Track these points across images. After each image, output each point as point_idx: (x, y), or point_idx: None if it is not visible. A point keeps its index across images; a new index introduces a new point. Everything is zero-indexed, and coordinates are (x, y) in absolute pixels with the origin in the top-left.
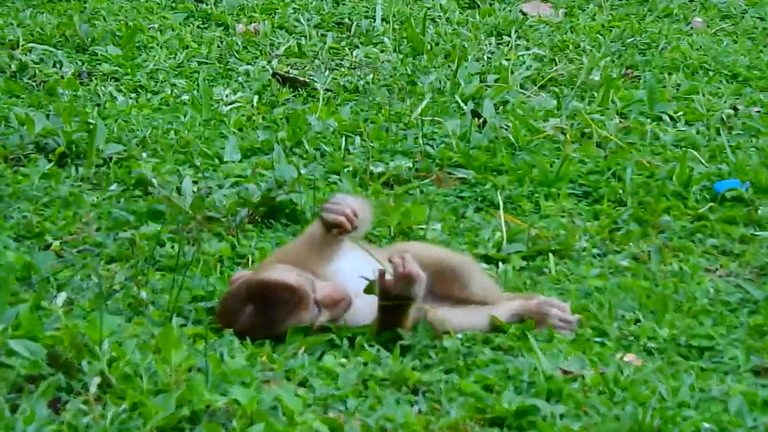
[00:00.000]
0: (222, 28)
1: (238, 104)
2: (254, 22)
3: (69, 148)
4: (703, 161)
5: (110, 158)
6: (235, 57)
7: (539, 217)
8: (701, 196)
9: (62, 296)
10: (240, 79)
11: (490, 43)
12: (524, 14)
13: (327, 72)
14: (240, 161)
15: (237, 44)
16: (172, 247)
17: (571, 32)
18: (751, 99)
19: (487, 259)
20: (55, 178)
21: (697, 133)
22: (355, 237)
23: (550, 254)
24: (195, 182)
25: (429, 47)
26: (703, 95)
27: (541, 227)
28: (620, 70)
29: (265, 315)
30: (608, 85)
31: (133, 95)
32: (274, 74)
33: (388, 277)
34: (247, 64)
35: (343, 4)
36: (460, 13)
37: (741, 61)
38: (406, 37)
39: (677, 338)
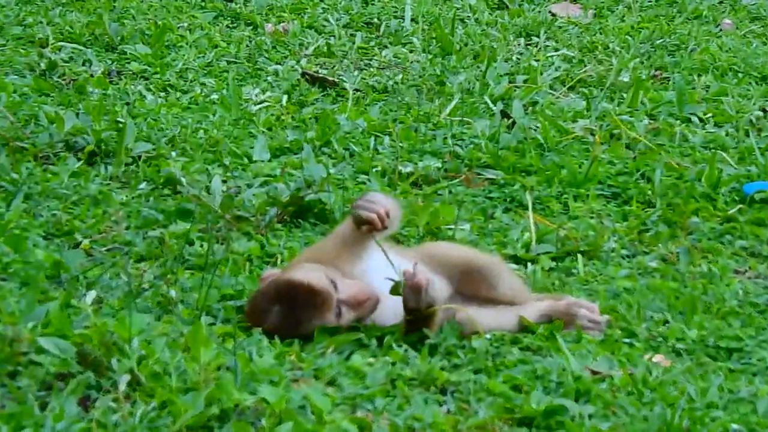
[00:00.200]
0: (251, 27)
1: (267, 104)
2: (283, 21)
3: (98, 147)
4: (732, 163)
5: (139, 157)
6: (264, 56)
7: (568, 217)
8: (730, 198)
9: (91, 294)
10: (269, 78)
11: (519, 44)
12: (553, 15)
13: (356, 72)
14: (269, 161)
15: (266, 44)
16: (201, 245)
17: (600, 33)
18: None
19: (515, 259)
20: (85, 176)
21: (726, 134)
22: (384, 236)
23: (579, 255)
24: (224, 181)
25: (458, 48)
26: (733, 97)
27: (570, 228)
28: (649, 72)
29: (291, 315)
30: (637, 86)
31: (163, 94)
32: (303, 74)
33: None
34: (276, 63)
35: (372, 4)
36: (489, 13)
37: None
38: (435, 37)
39: (706, 339)
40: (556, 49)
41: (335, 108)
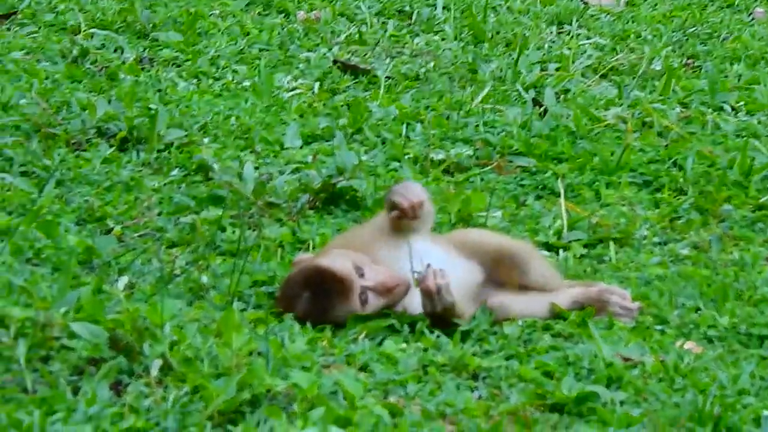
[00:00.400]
0: (283, 15)
1: (299, 91)
2: (315, 9)
3: (130, 133)
4: (764, 151)
5: (171, 143)
6: (296, 44)
7: (600, 205)
8: (762, 186)
9: (123, 280)
10: (301, 66)
11: (551, 32)
12: (585, 3)
13: (388, 59)
14: (301, 148)
15: (298, 31)
16: (233, 232)
17: (633, 22)
18: None
19: (547, 246)
20: (117, 162)
21: (758, 123)
22: (414, 227)
23: (611, 242)
24: (256, 168)
25: (490, 35)
26: (765, 85)
27: (602, 215)
28: (681, 60)
29: (317, 301)
30: (669, 74)
31: (194, 81)
32: (335, 61)
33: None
34: (308, 51)
35: None
36: (521, 1)
37: None
38: (467, 25)
39: (737, 326)
40: (588, 37)
41: (367, 95)
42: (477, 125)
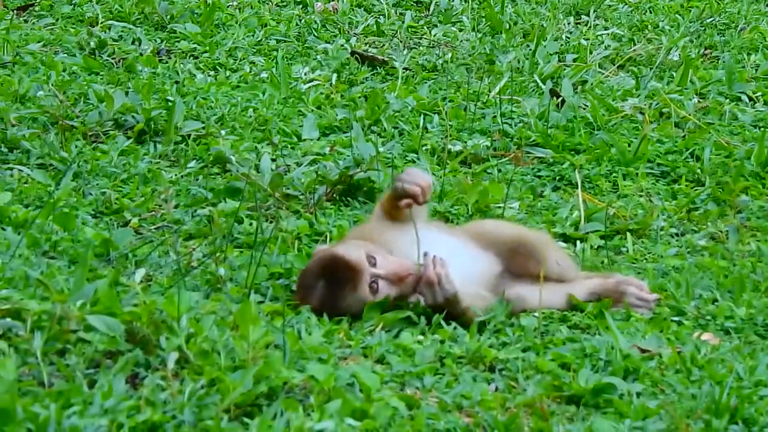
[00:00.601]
0: (300, 6)
1: (317, 82)
2: (333, 0)
3: (148, 125)
4: None
5: (189, 135)
6: (314, 35)
7: (617, 196)
8: None
9: (140, 272)
10: (318, 57)
11: (568, 23)
12: None
13: (405, 51)
14: (318, 139)
15: (315, 22)
16: (250, 224)
17: (650, 12)
18: None
19: (564, 237)
20: (134, 154)
21: None
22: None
23: (628, 233)
24: (273, 160)
25: (507, 26)
26: None
27: (619, 206)
28: (699, 50)
29: (329, 290)
30: (687, 65)
31: (212, 73)
32: (352, 53)
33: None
34: (326, 42)
35: None
36: None
37: None
38: (485, 16)
39: (754, 318)
40: (606, 28)
41: (385, 87)
42: (494, 116)
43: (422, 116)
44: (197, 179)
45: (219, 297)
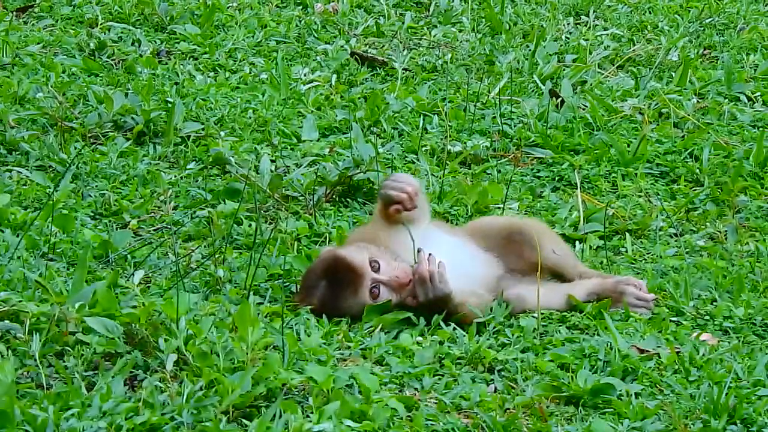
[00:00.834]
0: (300, 7)
1: (317, 83)
2: (333, 1)
3: (147, 127)
4: None
5: (188, 137)
6: (314, 36)
7: (616, 196)
8: None
9: (139, 274)
10: (318, 58)
11: (568, 23)
12: None
13: (405, 51)
14: (318, 140)
15: (315, 23)
16: (250, 225)
17: (650, 12)
18: None
19: (564, 238)
20: (133, 156)
21: None
22: (412, 217)
23: (627, 234)
24: (273, 161)
25: (507, 27)
26: None
27: (618, 207)
28: (698, 51)
29: (332, 291)
30: (686, 65)
31: (212, 74)
32: (352, 53)
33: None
34: (326, 43)
35: None
36: None
37: None
38: (485, 16)
39: (753, 318)
40: (605, 29)
41: (384, 87)
42: (494, 117)
43: (422, 117)
44: (197, 180)
45: (218, 298)
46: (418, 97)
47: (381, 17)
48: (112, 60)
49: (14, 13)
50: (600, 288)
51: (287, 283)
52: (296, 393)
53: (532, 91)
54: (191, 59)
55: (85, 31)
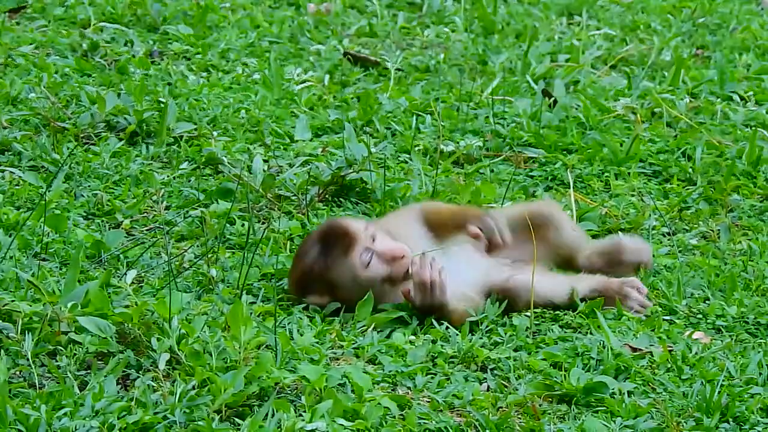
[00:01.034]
0: (293, 7)
1: (309, 83)
2: (326, 1)
3: (140, 127)
4: None
5: (181, 137)
6: (307, 36)
7: (609, 196)
8: None
9: (132, 274)
10: (311, 58)
11: (561, 23)
12: None
13: (398, 51)
14: (311, 140)
15: (308, 24)
16: (242, 225)
17: (642, 12)
18: None
19: None
20: (126, 156)
21: (767, 112)
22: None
23: (620, 233)
24: (265, 161)
25: (500, 27)
26: None
27: (611, 206)
28: (691, 50)
29: (323, 253)
30: (679, 65)
31: (204, 74)
32: (345, 54)
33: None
34: (319, 43)
35: None
36: None
37: None
38: (478, 16)
39: (746, 316)
40: (598, 28)
41: (377, 87)
42: (487, 117)
43: (415, 117)
44: (189, 180)
45: (210, 298)
46: (411, 97)
47: (374, 17)
48: (104, 60)
49: (7, 14)
50: (604, 287)
51: (281, 283)
52: (289, 392)
53: (525, 90)
54: (184, 60)
55: (77, 32)
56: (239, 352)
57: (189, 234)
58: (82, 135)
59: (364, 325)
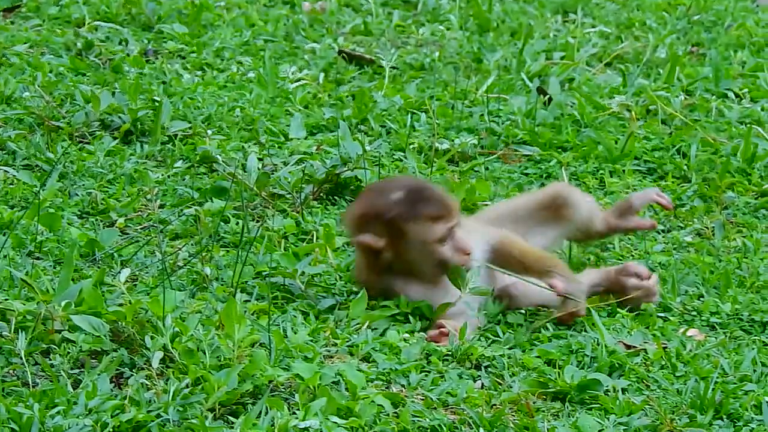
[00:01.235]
0: (288, 6)
1: (304, 82)
2: (320, 0)
3: (134, 126)
4: None
5: (175, 135)
6: (302, 35)
7: (604, 193)
8: (765, 173)
9: (125, 272)
10: (306, 56)
11: (556, 21)
12: None
13: (393, 49)
14: (305, 138)
15: (303, 22)
16: (237, 223)
17: (637, 10)
18: None
19: None
20: (120, 155)
21: (762, 110)
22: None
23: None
24: (260, 159)
25: (495, 25)
26: None
27: (606, 203)
28: (686, 48)
29: (410, 205)
30: (674, 62)
31: (199, 73)
32: (340, 52)
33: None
34: (313, 42)
35: None
36: None
37: None
38: (473, 14)
39: (740, 313)
40: (593, 26)
41: (372, 86)
42: (482, 114)
43: (409, 115)
44: (184, 179)
45: (204, 296)
46: (406, 95)
47: (369, 16)
48: (99, 59)
49: (1, 13)
50: (603, 280)
51: (275, 280)
52: (282, 390)
53: (520, 88)
54: (179, 58)
55: (72, 31)
56: (233, 351)
57: (183, 232)
58: (76, 134)
59: (358, 323)
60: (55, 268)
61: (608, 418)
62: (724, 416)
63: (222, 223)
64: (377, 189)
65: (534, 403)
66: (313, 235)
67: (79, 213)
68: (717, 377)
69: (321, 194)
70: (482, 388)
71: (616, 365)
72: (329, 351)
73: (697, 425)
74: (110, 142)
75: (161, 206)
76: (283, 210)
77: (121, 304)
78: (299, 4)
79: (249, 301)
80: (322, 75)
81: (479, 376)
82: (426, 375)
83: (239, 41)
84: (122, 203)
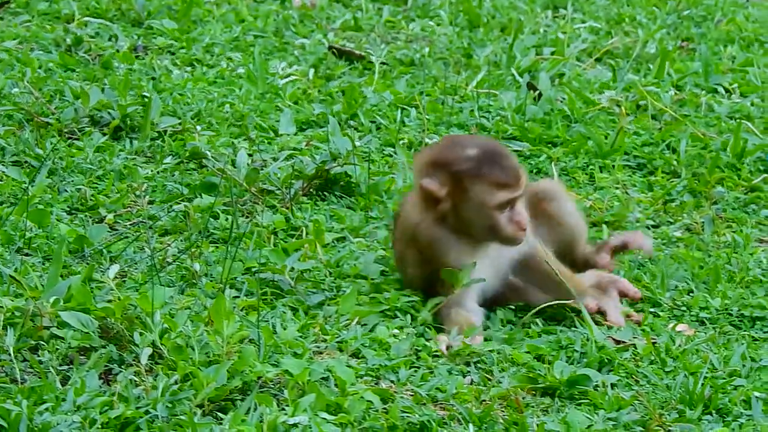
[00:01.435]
0: (278, 1)
1: (294, 77)
2: None
3: (123, 122)
4: (757, 133)
5: (165, 131)
6: (291, 30)
7: (594, 188)
8: (755, 168)
9: (114, 269)
10: (296, 52)
11: (546, 16)
12: None
13: (383, 45)
14: (295, 134)
15: (293, 18)
16: (226, 219)
17: (627, 5)
18: None
19: None
20: (110, 151)
21: (752, 105)
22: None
23: (605, 225)
24: (250, 155)
25: (485, 20)
26: (758, 67)
27: (596, 199)
28: (676, 43)
29: (479, 164)
30: (664, 57)
31: (189, 69)
32: (330, 47)
33: None
34: (303, 37)
35: None
36: None
37: None
38: (463, 10)
39: (729, 308)
40: (583, 21)
41: (362, 81)
42: (472, 110)
43: (399, 110)
44: (173, 175)
45: (193, 292)
46: (396, 90)
47: (359, 11)
48: (88, 55)
49: None
50: (597, 282)
51: (264, 276)
52: (272, 386)
53: (510, 84)
54: (168, 54)
55: (61, 27)
56: (222, 347)
57: (173, 228)
58: (65, 130)
59: (347, 319)
60: (43, 264)
61: (597, 413)
62: (714, 411)
63: (211, 219)
64: (455, 140)
65: (523, 398)
66: (302, 231)
67: (68, 209)
68: (706, 372)
69: (310, 190)
70: (471, 383)
71: (606, 360)
72: (318, 347)
73: (686, 420)
74: (99, 138)
75: (150, 202)
76: (272, 206)
77: (109, 301)
78: (289, 0)
79: (238, 297)
80: (311, 71)
81: (468, 371)
82: (415, 371)
83: (229, 37)
84: (111, 199)
